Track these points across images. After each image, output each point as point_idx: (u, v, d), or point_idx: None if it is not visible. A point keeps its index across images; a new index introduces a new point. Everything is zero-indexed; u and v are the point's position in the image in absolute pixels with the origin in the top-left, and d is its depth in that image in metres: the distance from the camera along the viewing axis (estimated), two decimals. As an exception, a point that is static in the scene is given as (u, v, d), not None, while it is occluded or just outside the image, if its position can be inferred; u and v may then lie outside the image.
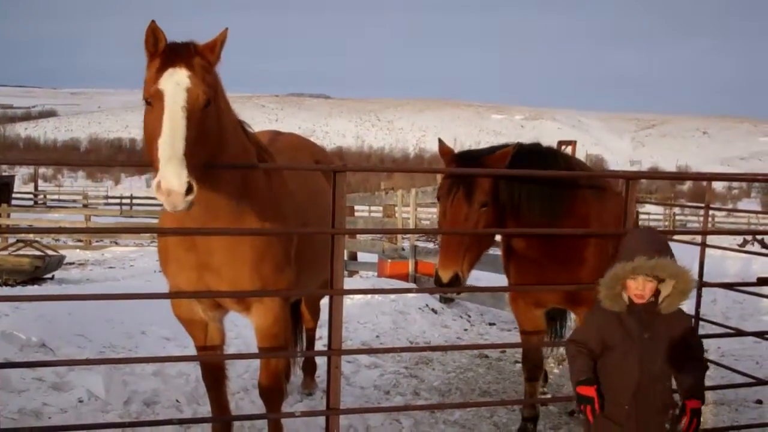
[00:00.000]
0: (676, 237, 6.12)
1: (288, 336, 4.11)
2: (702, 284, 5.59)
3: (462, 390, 5.98)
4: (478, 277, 9.37)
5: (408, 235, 11.18)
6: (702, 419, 3.02)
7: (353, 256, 13.41)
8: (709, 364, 3.19)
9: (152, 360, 4.35)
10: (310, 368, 5.70)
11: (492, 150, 4.10)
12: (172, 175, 2.70)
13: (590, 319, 3.13)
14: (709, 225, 21.90)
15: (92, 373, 4.98)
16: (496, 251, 5.31)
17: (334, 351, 3.62)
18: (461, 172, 3.92)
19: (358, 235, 13.56)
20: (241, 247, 3.48)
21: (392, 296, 8.43)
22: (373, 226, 14.41)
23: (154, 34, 2.95)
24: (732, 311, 9.34)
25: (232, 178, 3.39)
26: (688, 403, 2.89)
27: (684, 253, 3.04)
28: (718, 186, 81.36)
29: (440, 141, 4.26)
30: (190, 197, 2.74)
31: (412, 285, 9.85)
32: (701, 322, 5.91)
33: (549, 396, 5.74)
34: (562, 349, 6.56)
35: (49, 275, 13.99)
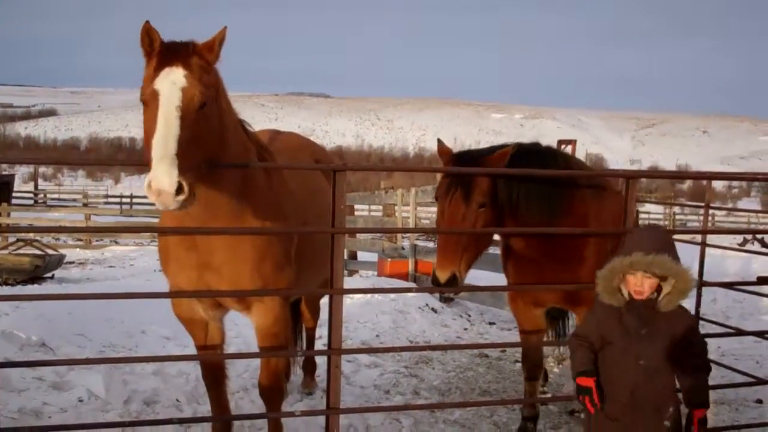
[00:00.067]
0: (676, 236, 6.08)
1: (288, 335, 4.11)
2: (702, 283, 5.59)
3: (462, 389, 5.98)
4: (478, 277, 9.36)
5: (408, 234, 11.19)
6: (703, 419, 3.03)
7: (353, 256, 13.42)
8: (711, 365, 3.13)
9: (152, 359, 4.34)
10: (310, 367, 5.70)
11: (491, 150, 4.10)
12: (163, 174, 2.69)
13: (591, 314, 3.16)
14: (709, 224, 21.92)
15: (92, 373, 4.98)
16: (496, 250, 5.31)
17: (334, 350, 3.62)
18: (461, 171, 3.92)
19: (358, 234, 13.57)
20: (242, 247, 3.48)
21: (392, 295, 8.43)
22: (373, 225, 14.41)
23: (148, 34, 2.95)
24: (732, 310, 9.35)
25: (233, 177, 3.39)
26: (696, 413, 2.90)
27: (684, 253, 3.04)
28: (718, 185, 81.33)
29: (439, 141, 4.26)
30: (181, 197, 2.73)
31: (412, 284, 9.85)
32: (701, 322, 5.91)
33: (549, 395, 5.74)
34: (562, 349, 6.57)
35: (49, 274, 14.00)
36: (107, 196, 44.59)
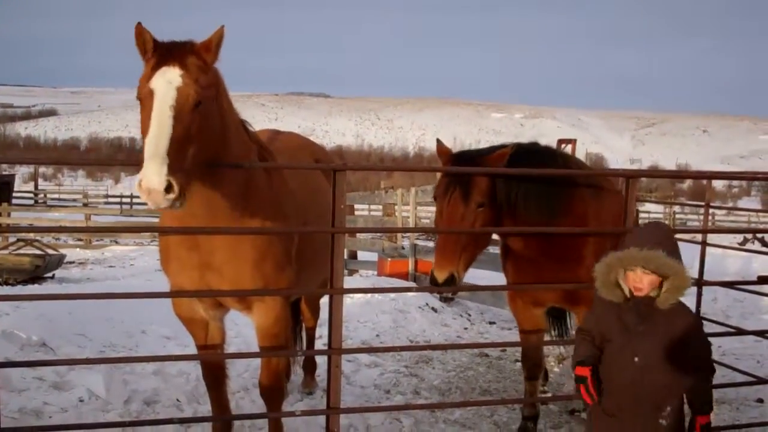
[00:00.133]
0: (676, 236, 6.11)
1: (289, 335, 4.11)
2: (702, 283, 5.59)
3: (462, 389, 5.98)
4: (478, 276, 9.37)
5: (408, 234, 11.18)
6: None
7: (353, 255, 13.42)
8: (715, 365, 3.09)
9: (152, 359, 4.34)
10: (310, 367, 5.70)
11: (490, 150, 4.10)
12: (152, 173, 2.69)
13: (592, 310, 3.17)
14: (710, 223, 21.91)
15: (93, 373, 4.98)
16: (497, 249, 5.31)
17: (335, 350, 3.62)
18: (460, 171, 3.92)
19: (358, 234, 13.57)
20: (243, 246, 3.48)
21: (392, 295, 8.43)
22: (373, 224, 14.41)
23: (141, 35, 2.97)
24: (732, 310, 9.34)
25: (234, 177, 3.39)
26: (699, 419, 2.89)
27: (684, 252, 3.02)
28: (718, 184, 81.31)
29: (438, 141, 4.26)
30: (171, 196, 2.72)
31: (412, 284, 9.85)
32: (702, 321, 5.91)
33: (549, 395, 5.74)
34: (562, 348, 6.57)
35: (49, 274, 14.00)
36: (107, 196, 44.59)
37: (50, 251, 14.93)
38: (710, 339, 3.11)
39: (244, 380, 5.52)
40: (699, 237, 6.51)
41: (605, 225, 4.31)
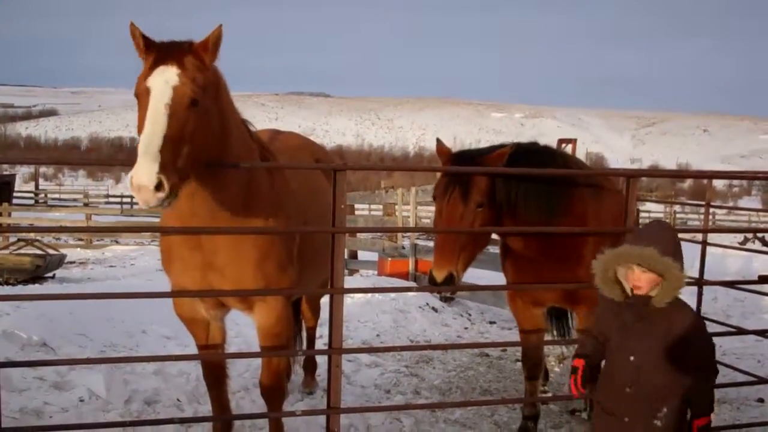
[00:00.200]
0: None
1: (290, 335, 4.11)
2: (703, 282, 5.58)
3: (463, 389, 5.98)
4: (478, 276, 9.36)
5: (408, 234, 11.19)
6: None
7: (353, 255, 13.41)
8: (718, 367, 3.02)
9: (153, 359, 4.34)
10: (310, 367, 5.70)
11: (490, 149, 4.10)
12: (142, 170, 2.70)
13: (597, 307, 3.19)
14: (710, 223, 21.89)
15: (93, 372, 4.98)
16: (497, 249, 5.31)
17: (335, 350, 3.62)
18: (460, 170, 3.92)
19: (358, 234, 13.57)
20: (245, 246, 3.49)
21: (392, 295, 8.43)
22: (373, 224, 14.41)
23: (133, 34, 2.99)
24: (733, 309, 9.34)
25: (236, 177, 3.39)
26: (696, 421, 2.85)
27: (685, 252, 3.00)
28: (719, 184, 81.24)
29: (438, 141, 4.26)
30: (161, 194, 2.72)
31: (412, 283, 9.85)
32: (701, 319, 5.90)
33: (550, 395, 5.74)
34: (563, 348, 6.57)
35: (50, 274, 14.00)
36: (108, 196, 44.61)
37: (51, 251, 14.93)
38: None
39: (244, 380, 5.52)
40: (699, 236, 6.50)
41: (605, 224, 4.31)
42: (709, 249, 6.06)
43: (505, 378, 6.34)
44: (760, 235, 16.59)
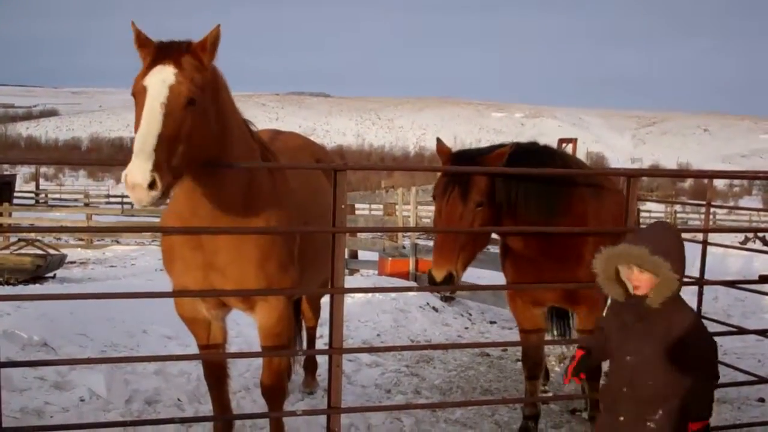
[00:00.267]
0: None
1: (291, 335, 4.11)
2: (703, 282, 5.58)
3: (463, 388, 5.98)
4: (478, 275, 9.37)
5: (409, 233, 11.19)
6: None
7: (354, 255, 13.42)
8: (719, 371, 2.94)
9: (154, 359, 4.35)
10: (311, 367, 5.70)
11: (490, 149, 4.10)
12: (136, 168, 2.71)
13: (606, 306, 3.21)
14: (711, 222, 21.88)
15: (94, 372, 4.98)
16: (497, 249, 5.31)
17: (335, 349, 3.62)
18: (460, 170, 3.92)
19: (358, 234, 13.57)
20: (247, 247, 3.49)
21: (393, 294, 8.43)
22: (373, 224, 14.41)
23: (138, 34, 3.02)
24: (734, 309, 9.34)
25: (237, 177, 3.39)
26: (691, 425, 2.81)
27: (685, 251, 2.99)
28: (719, 183, 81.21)
29: (438, 140, 4.26)
30: (155, 193, 2.73)
31: (412, 283, 9.85)
32: (702, 320, 5.90)
33: (550, 394, 5.75)
34: (563, 348, 6.56)
35: (50, 274, 14.01)
36: (108, 196, 44.56)
37: (51, 251, 14.94)
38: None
39: (245, 380, 5.53)
40: (700, 236, 6.50)
41: (605, 224, 4.30)
42: (709, 249, 6.06)
43: (505, 378, 6.34)
44: (760, 234, 16.59)
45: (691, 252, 3.04)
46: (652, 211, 31.60)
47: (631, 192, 4.01)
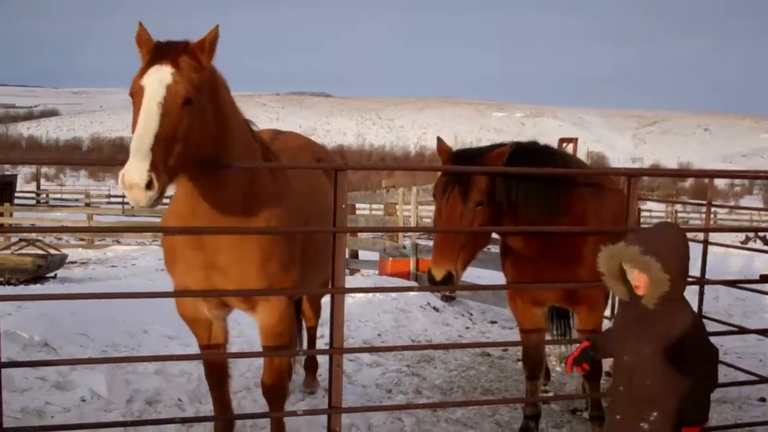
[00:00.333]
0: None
1: (292, 334, 4.12)
2: (704, 281, 5.59)
3: (464, 388, 5.98)
4: (479, 275, 9.36)
5: (409, 233, 11.18)
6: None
7: (354, 255, 13.42)
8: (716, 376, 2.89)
9: (155, 359, 4.35)
10: (311, 367, 5.70)
11: (490, 149, 4.10)
12: (133, 168, 2.72)
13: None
14: (711, 222, 21.87)
15: (95, 372, 4.99)
16: (497, 248, 5.31)
17: (336, 349, 3.63)
18: (461, 170, 3.92)
19: (359, 234, 13.57)
20: (248, 247, 3.49)
21: (393, 294, 8.43)
22: (374, 224, 14.40)
23: (140, 34, 3.03)
24: (735, 308, 9.33)
25: (238, 177, 3.39)
26: (684, 429, 2.77)
27: (689, 252, 2.97)
28: (720, 183, 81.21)
29: (439, 139, 4.26)
30: (151, 193, 2.74)
31: (413, 283, 9.85)
32: (703, 320, 5.90)
33: (551, 394, 5.75)
34: (564, 347, 6.56)
35: (51, 274, 14.01)
36: (109, 196, 44.54)
37: (52, 251, 14.94)
38: (712, 338, 2.96)
39: (246, 380, 5.53)
40: (701, 236, 6.50)
41: (605, 224, 4.30)
42: (710, 248, 6.06)
43: (506, 377, 6.34)
44: (761, 234, 16.59)
45: (692, 252, 3.01)
46: (652, 210, 31.57)
47: (632, 191, 4.01)
